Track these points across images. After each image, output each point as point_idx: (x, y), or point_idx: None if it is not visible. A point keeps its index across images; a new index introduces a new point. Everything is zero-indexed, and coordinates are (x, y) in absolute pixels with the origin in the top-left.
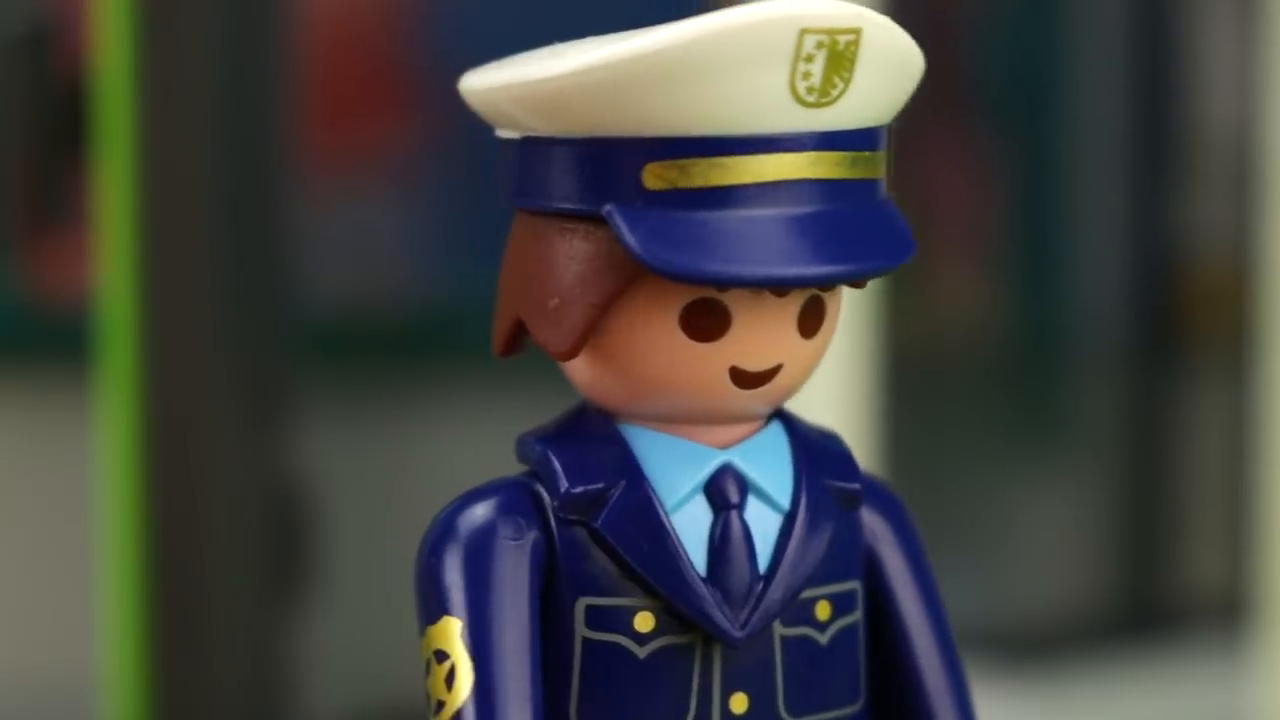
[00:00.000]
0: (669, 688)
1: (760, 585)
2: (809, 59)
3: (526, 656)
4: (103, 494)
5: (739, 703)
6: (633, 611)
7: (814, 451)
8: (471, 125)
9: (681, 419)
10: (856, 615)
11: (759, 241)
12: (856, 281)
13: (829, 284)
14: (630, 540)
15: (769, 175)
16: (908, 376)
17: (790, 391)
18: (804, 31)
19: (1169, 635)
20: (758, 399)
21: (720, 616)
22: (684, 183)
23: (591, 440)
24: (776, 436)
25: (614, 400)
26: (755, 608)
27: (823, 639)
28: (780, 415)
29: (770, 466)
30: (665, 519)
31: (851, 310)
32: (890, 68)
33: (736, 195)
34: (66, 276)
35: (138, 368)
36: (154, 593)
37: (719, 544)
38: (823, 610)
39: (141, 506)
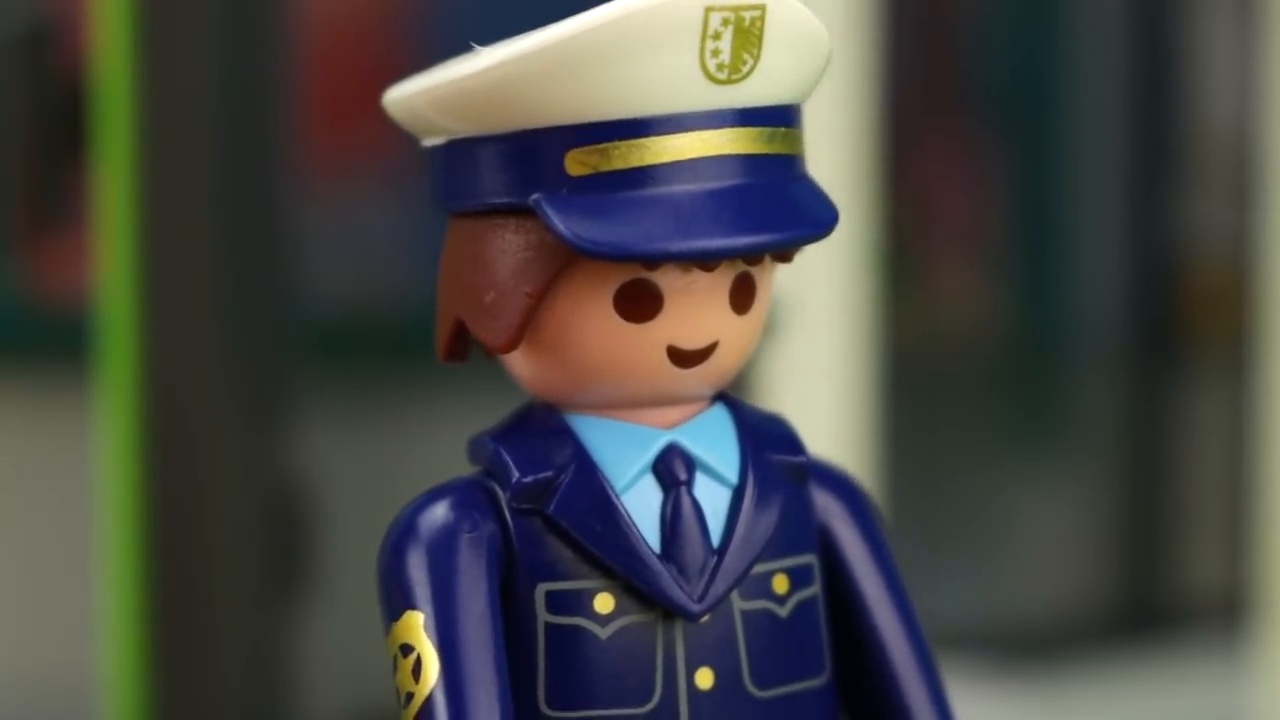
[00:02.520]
0: (634, 666)
1: (714, 559)
2: (716, 36)
3: (490, 645)
4: (103, 494)
5: (705, 678)
6: (592, 593)
7: (758, 429)
8: None
9: (625, 404)
10: (815, 589)
11: (682, 217)
12: (783, 254)
13: (753, 254)
14: (583, 523)
15: (687, 153)
16: (907, 376)
17: (729, 370)
18: (709, 9)
19: (1169, 635)
20: (698, 379)
21: (677, 591)
22: (606, 166)
23: (539, 433)
24: (720, 416)
25: (558, 392)
26: (711, 581)
27: (783, 612)
28: (723, 397)
29: (716, 444)
30: (616, 499)
31: (851, 310)
32: (798, 44)
33: (658, 174)
34: (66, 276)
35: (138, 368)
36: (154, 592)
37: (670, 521)
38: (780, 583)
39: (141, 506)
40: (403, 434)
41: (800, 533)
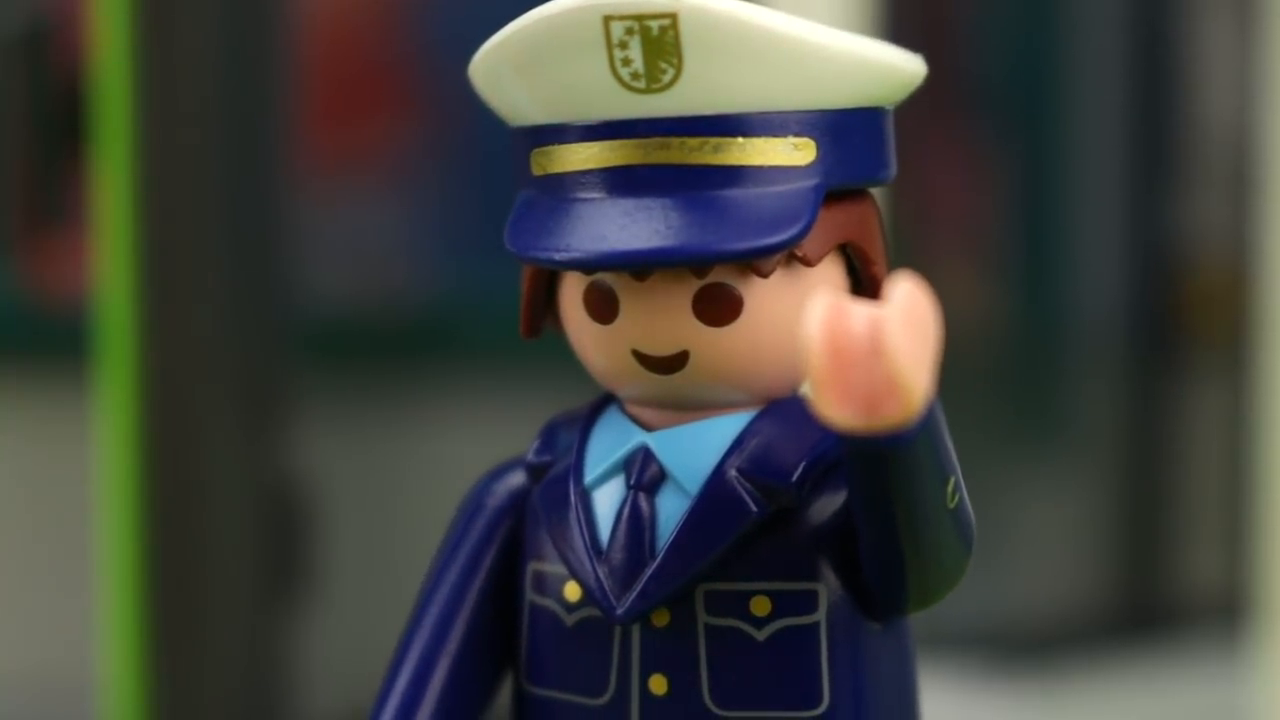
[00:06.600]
0: (592, 659)
1: (651, 568)
2: (623, 45)
3: (456, 614)
4: (102, 493)
5: (658, 684)
6: (563, 580)
7: (761, 445)
8: (468, 125)
9: (632, 401)
10: (813, 618)
11: (586, 224)
12: (698, 270)
13: (634, 268)
14: (548, 509)
15: (611, 160)
16: None
17: (728, 379)
18: (608, 19)
19: (1169, 635)
20: (689, 385)
21: (602, 592)
22: (551, 168)
23: (577, 418)
24: (725, 425)
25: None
26: (642, 588)
27: (759, 634)
28: (775, 405)
29: (692, 453)
30: (571, 491)
31: None
32: (732, 51)
33: (579, 180)
34: (66, 276)
35: (137, 368)
36: (153, 592)
37: (617, 522)
38: (760, 606)
39: (140, 506)
40: (401, 434)
41: (795, 558)
